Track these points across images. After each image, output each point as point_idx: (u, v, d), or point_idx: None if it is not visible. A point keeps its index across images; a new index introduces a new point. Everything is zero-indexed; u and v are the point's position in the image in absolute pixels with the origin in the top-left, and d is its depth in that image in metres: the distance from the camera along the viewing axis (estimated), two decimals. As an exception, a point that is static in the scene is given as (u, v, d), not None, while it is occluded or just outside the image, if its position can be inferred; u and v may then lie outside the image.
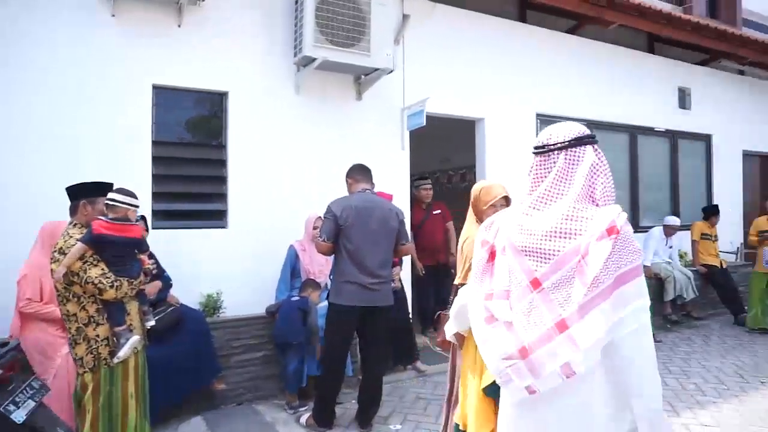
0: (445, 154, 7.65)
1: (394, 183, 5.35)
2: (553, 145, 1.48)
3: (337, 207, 3.41)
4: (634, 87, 7.40)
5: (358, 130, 5.25)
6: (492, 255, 1.52)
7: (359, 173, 3.66)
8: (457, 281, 2.65)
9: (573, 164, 1.44)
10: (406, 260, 5.37)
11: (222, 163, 4.66)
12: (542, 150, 1.50)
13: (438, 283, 5.79)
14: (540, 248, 1.39)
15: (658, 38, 8.19)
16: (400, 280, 4.75)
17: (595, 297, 1.28)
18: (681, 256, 7.30)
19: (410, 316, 5.01)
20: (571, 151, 1.45)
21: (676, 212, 7.80)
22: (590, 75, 6.96)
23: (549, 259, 1.38)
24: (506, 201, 2.76)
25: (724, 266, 7.07)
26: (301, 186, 4.89)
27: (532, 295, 1.38)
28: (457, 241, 2.82)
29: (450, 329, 2.01)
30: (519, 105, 6.30)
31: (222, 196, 4.65)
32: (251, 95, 4.73)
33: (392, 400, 4.24)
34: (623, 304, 1.30)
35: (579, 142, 1.46)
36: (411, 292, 5.47)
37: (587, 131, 1.50)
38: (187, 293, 4.12)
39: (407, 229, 5.45)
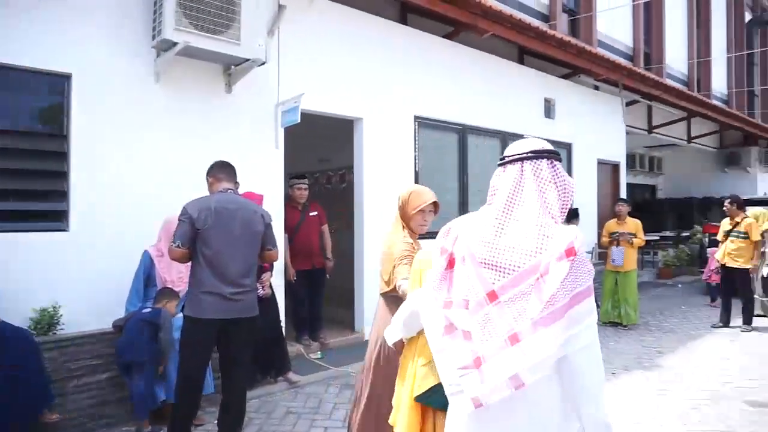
0: (325, 153, 7.45)
1: (267, 183, 5.05)
2: (511, 156, 1.51)
3: (194, 208, 3.05)
4: (506, 95, 7.77)
5: (228, 125, 4.87)
6: (451, 263, 1.52)
7: (221, 171, 3.33)
8: (382, 290, 2.57)
9: (532, 178, 1.46)
10: (279, 264, 5.09)
11: (63, 156, 4.03)
12: (501, 161, 1.53)
13: (313, 288, 5.57)
14: (500, 262, 1.42)
15: (528, 51, 8.70)
16: (270, 286, 4.46)
17: (550, 314, 1.33)
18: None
19: (282, 323, 4.74)
20: (527, 163, 1.48)
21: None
22: (467, 81, 7.16)
23: (508, 273, 1.40)
24: (435, 207, 2.72)
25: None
26: (159, 184, 4.39)
27: (488, 308, 1.40)
28: (355, 245, 2.63)
29: (394, 335, 1.93)
30: (398, 106, 6.28)
31: (62, 194, 4.02)
32: (101, 80, 4.15)
33: (259, 417, 3.95)
34: (577, 322, 1.35)
35: (536, 155, 1.48)
36: (284, 298, 5.20)
37: (548, 146, 1.51)
38: (13, 308, 3.50)
39: (281, 231, 5.19)
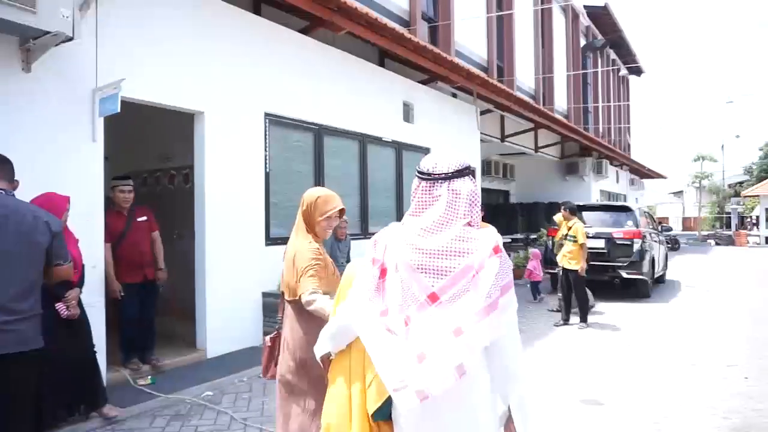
0: (166, 150, 6.68)
1: (81, 182, 4.27)
2: (438, 174, 1.62)
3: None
4: (365, 97, 7.62)
5: (28, 112, 4.02)
6: (383, 273, 1.61)
7: (-13, 167, 2.62)
8: (288, 297, 2.50)
9: (457, 195, 1.59)
10: (96, 279, 4.33)
11: None
12: (428, 177, 1.64)
13: (145, 303, 4.86)
14: (434, 265, 1.54)
15: (388, 54, 8.68)
16: (80, 304, 3.71)
17: (487, 306, 1.47)
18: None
19: (96, 348, 4.00)
20: (453, 181, 1.61)
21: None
22: (324, 79, 6.87)
23: (444, 275, 1.52)
24: (341, 213, 2.70)
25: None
26: None
27: (431, 309, 1.51)
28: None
29: (320, 349, 1.90)
30: (246, 101, 5.78)
31: None
32: None
33: (55, 466, 3.24)
34: (505, 310, 1.51)
35: (460, 174, 1.62)
36: (104, 318, 4.44)
37: (468, 163, 1.66)
38: None
39: (100, 239, 4.43)
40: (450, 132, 9.77)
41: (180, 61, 5.10)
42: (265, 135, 6.01)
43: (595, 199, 18.86)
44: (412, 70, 9.05)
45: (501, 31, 14.63)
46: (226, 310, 5.49)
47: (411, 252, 1.57)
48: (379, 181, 7.95)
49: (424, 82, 9.29)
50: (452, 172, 1.62)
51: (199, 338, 5.42)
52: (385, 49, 7.99)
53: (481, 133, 12.45)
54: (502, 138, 14.30)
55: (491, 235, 1.57)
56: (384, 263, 1.61)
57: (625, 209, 9.92)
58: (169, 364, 5.05)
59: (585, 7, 22.37)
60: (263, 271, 5.89)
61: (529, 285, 9.66)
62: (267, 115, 6.03)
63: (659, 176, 29.80)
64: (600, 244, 9.23)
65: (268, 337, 2.74)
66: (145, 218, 4.85)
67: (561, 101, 19.01)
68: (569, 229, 7.30)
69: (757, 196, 32.26)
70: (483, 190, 18.13)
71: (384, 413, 1.70)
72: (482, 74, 9.22)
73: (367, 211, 7.62)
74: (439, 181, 1.62)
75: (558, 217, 8.52)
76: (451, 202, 1.59)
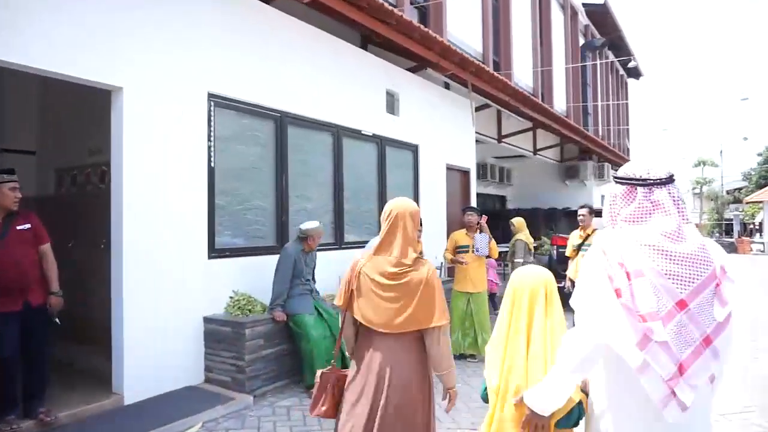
0: (96, 142, 5.48)
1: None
2: (655, 180, 1.65)
3: None
4: (341, 81, 6.46)
5: None
6: (627, 277, 1.57)
7: None
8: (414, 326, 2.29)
9: (679, 200, 1.65)
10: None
11: None
12: (644, 183, 1.66)
13: (29, 338, 3.64)
14: (682, 273, 1.53)
15: (371, 40, 7.56)
16: None
17: (729, 316, 1.55)
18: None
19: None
20: (671, 186, 1.66)
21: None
22: (290, 58, 5.71)
23: (692, 282, 1.53)
24: None
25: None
26: None
27: (680, 316, 1.51)
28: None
29: (565, 388, 1.74)
30: (183, 78, 4.61)
31: None
32: None
33: None
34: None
35: (673, 178, 1.67)
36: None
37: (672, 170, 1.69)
38: None
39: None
40: (441, 127, 8.63)
41: (92, 22, 3.93)
42: (210, 121, 4.83)
43: (597, 205, 17.76)
44: (398, 57, 7.92)
45: (497, 23, 13.57)
46: (153, 341, 4.29)
47: (657, 257, 1.56)
48: (357, 181, 6.78)
49: (412, 71, 8.16)
50: (668, 177, 1.65)
51: (115, 379, 4.20)
52: (367, 31, 6.87)
53: (477, 132, 11.32)
54: (499, 138, 13.20)
55: (718, 247, 1.64)
56: (627, 269, 1.57)
57: None
58: (68, 417, 3.83)
59: (584, 5, 21.42)
60: (206, 291, 4.70)
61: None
62: (212, 96, 4.86)
63: (660, 182, 28.79)
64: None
65: (320, 372, 2.48)
66: (27, 226, 3.63)
67: (560, 101, 17.94)
68: (587, 237, 6.12)
69: (760, 202, 31.32)
70: (478, 195, 16.96)
71: (569, 422, 1.80)
72: (477, 61, 8.08)
73: (342, 217, 6.44)
74: (658, 186, 1.64)
75: (518, 221, 7.48)
76: (680, 209, 1.63)
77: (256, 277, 5.12)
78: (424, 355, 2.33)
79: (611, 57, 25.38)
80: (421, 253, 2.50)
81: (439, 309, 2.27)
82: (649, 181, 1.64)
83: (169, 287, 4.41)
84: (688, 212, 1.69)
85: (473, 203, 9.68)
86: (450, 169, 8.92)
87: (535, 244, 13.74)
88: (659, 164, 1.68)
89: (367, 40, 7.68)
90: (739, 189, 45.72)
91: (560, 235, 9.00)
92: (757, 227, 35.86)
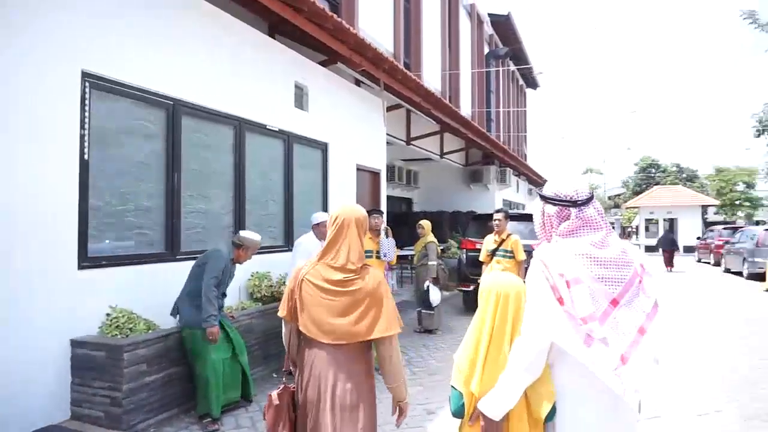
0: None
1: None
2: (584, 200, 1.89)
3: None
4: (245, 71, 5.85)
5: None
6: (567, 285, 1.76)
7: None
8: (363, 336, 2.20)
9: (601, 213, 1.91)
10: None
11: None
12: (574, 204, 1.89)
13: None
14: (610, 275, 1.77)
15: (279, 29, 7.01)
16: None
17: (655, 305, 1.80)
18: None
19: None
20: (594, 202, 1.92)
21: (289, 228, 6.62)
22: (189, 41, 5.03)
23: (620, 283, 1.77)
24: None
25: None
26: None
27: (615, 312, 1.74)
28: None
29: (517, 389, 1.86)
30: (46, 53, 3.80)
31: None
32: None
33: None
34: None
35: (593, 196, 1.94)
36: None
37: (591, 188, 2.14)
38: None
39: None
40: (352, 126, 8.25)
41: None
42: (84, 105, 4.06)
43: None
44: (309, 50, 7.44)
45: (408, 24, 13.47)
46: (2, 371, 3.47)
47: (590, 264, 1.78)
48: (261, 180, 6.20)
49: (323, 65, 7.70)
50: (591, 195, 1.92)
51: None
52: (275, 19, 6.33)
53: (387, 134, 11.10)
54: (408, 140, 13.09)
55: (636, 249, 1.92)
56: (566, 278, 1.76)
57: None
58: None
59: (489, 15, 22.13)
60: (75, 308, 3.93)
61: None
62: (87, 75, 4.08)
63: (554, 187, 30.59)
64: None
65: (275, 394, 2.31)
66: None
67: (466, 107, 18.32)
68: (502, 242, 6.02)
69: (637, 207, 34.39)
70: (387, 197, 16.91)
71: (553, 415, 1.86)
72: (391, 59, 7.80)
73: (243, 220, 5.83)
74: (585, 205, 1.89)
75: (426, 223, 7.41)
76: (604, 221, 1.89)
77: (140, 290, 4.41)
78: (371, 366, 2.30)
79: (512, 66, 26.54)
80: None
81: (388, 318, 2.20)
82: (579, 202, 1.87)
83: (26, 304, 3.61)
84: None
85: (383, 206, 9.41)
86: (360, 169, 8.58)
87: (441, 247, 13.85)
88: (580, 183, 1.92)
89: (275, 30, 7.11)
90: (618, 195, 50.08)
91: (470, 238, 8.96)
92: (634, 230, 39.38)
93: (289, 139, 6.67)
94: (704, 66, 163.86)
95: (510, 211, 7.98)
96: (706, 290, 13.54)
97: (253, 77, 5.97)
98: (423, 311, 7.37)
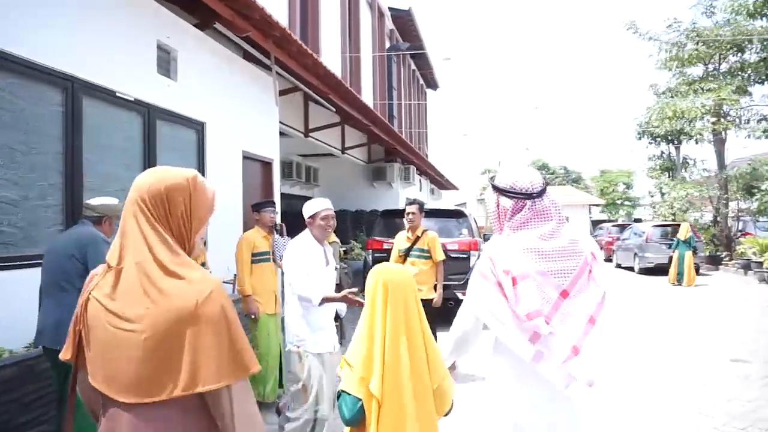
0: None
1: None
2: (539, 192, 1.89)
3: None
4: (83, 15, 4.37)
5: None
6: (514, 281, 1.76)
7: None
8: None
9: (556, 205, 1.90)
10: None
11: None
12: (530, 196, 1.88)
13: None
14: (559, 267, 1.78)
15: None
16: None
17: (603, 295, 1.80)
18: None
19: None
20: (548, 194, 1.92)
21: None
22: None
23: (569, 274, 1.79)
24: None
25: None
26: None
27: (564, 304, 1.76)
28: None
29: (448, 358, 2.02)
30: None
31: None
32: None
33: None
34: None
35: (546, 186, 1.96)
36: None
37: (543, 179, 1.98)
38: None
39: None
40: (238, 106, 6.93)
41: None
42: None
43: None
44: (182, 10, 6.03)
45: (305, 5, 12.28)
46: None
47: (538, 258, 1.78)
48: (107, 163, 4.73)
49: (199, 28, 6.31)
50: (544, 186, 1.91)
51: None
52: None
53: (282, 123, 9.83)
54: (306, 132, 11.90)
55: (588, 239, 1.96)
56: (512, 273, 1.76)
57: (458, 214, 8.13)
58: None
59: (390, 9, 21.49)
60: None
61: None
62: None
63: (453, 187, 30.80)
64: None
65: None
66: None
67: (368, 99, 17.46)
68: (416, 239, 5.02)
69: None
70: (283, 195, 15.50)
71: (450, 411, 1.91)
72: (283, 26, 6.58)
73: (75, 215, 4.33)
74: (539, 197, 1.88)
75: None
76: (558, 212, 1.89)
77: None
78: None
79: (413, 65, 26.20)
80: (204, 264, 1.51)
81: (227, 355, 1.31)
82: (533, 194, 1.88)
83: None
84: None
85: (276, 200, 8.14)
86: (248, 158, 7.26)
87: (344, 248, 12.75)
88: (534, 174, 1.94)
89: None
90: (513, 196, 52.15)
91: (377, 238, 7.97)
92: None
93: (149, 113, 5.23)
94: (594, 69, 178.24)
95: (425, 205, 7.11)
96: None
97: (94, 25, 4.50)
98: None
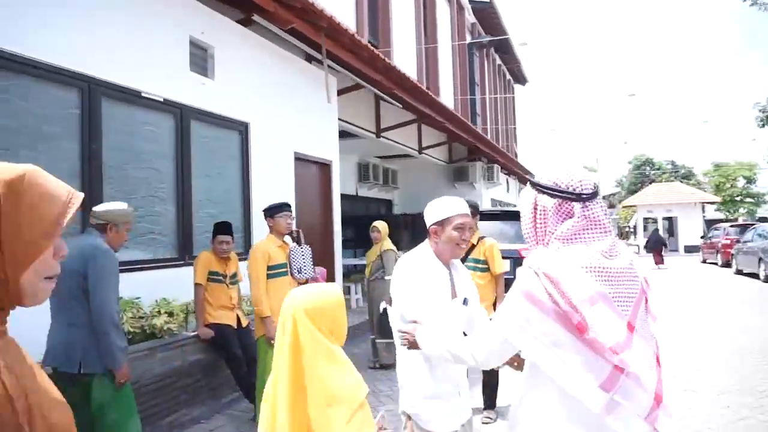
0: None
1: None
2: (590, 193, 1.47)
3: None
4: (101, 16, 4.10)
5: None
6: (576, 309, 1.35)
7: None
8: None
9: (607, 214, 1.50)
10: None
11: None
12: (584, 199, 1.46)
13: None
14: (622, 292, 1.38)
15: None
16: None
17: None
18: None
19: None
20: (599, 199, 1.50)
21: (185, 234, 4.85)
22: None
23: (630, 301, 1.38)
24: None
25: (245, 325, 4.36)
26: None
27: (634, 339, 1.35)
28: None
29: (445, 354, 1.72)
30: None
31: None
32: None
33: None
34: None
35: (598, 191, 1.52)
36: None
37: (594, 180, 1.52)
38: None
39: None
40: (287, 103, 6.52)
41: None
42: None
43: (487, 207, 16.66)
44: (224, 5, 5.73)
45: (374, 4, 11.80)
46: None
47: (601, 280, 1.38)
48: (137, 169, 4.44)
49: (243, 23, 5.98)
50: (596, 188, 1.50)
51: None
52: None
53: (349, 123, 9.40)
54: (378, 132, 11.39)
55: (638, 258, 1.53)
56: (580, 298, 1.36)
57: None
58: None
59: (470, 2, 20.52)
60: None
61: None
62: None
63: (546, 187, 28.95)
64: (506, 266, 6.47)
65: None
66: None
67: (447, 98, 16.66)
68: (471, 248, 4.20)
69: (634, 206, 32.82)
70: (361, 199, 15.25)
71: None
72: (330, 14, 6.07)
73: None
74: (591, 200, 1.46)
75: (382, 225, 5.74)
76: (611, 224, 1.50)
77: None
78: None
79: (498, 60, 24.97)
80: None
81: None
82: (584, 196, 1.45)
83: None
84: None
85: (336, 203, 7.66)
86: (302, 159, 6.83)
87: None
88: (585, 175, 1.50)
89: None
90: (613, 194, 48.60)
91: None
92: (632, 230, 37.84)
93: (182, 114, 4.92)
94: (701, 57, 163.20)
95: (510, 208, 6.11)
96: (738, 300, 11.86)
97: (114, 20, 4.22)
98: (378, 340, 5.63)
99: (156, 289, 4.25)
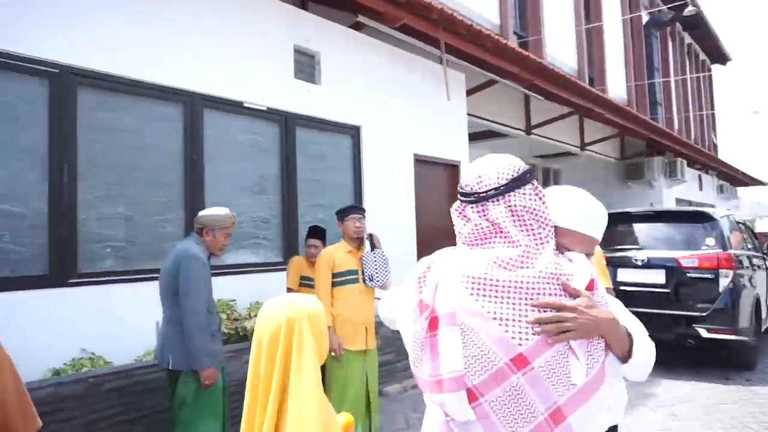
0: None
1: None
2: (488, 191, 1.17)
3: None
4: (192, 24, 4.38)
5: None
6: (433, 324, 1.12)
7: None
8: None
9: (524, 211, 1.17)
10: None
11: None
12: (473, 199, 1.20)
13: None
14: (511, 316, 1.07)
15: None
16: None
17: (596, 375, 1.06)
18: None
19: None
20: (511, 196, 1.17)
21: (289, 238, 4.91)
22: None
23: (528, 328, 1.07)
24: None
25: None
26: None
27: (515, 378, 1.04)
28: None
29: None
30: None
31: None
32: None
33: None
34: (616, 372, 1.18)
35: (518, 182, 1.17)
36: None
37: (524, 167, 1.20)
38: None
39: None
40: (404, 103, 6.30)
41: None
42: None
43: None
44: (335, 11, 5.77)
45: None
46: None
47: (476, 294, 1.11)
48: (237, 177, 4.62)
49: (356, 28, 5.95)
50: (508, 183, 1.17)
51: None
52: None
53: (492, 121, 8.90)
54: (528, 129, 10.58)
55: (584, 266, 1.15)
56: (435, 310, 1.14)
57: (703, 217, 5.72)
58: None
59: (647, -27, 18.12)
60: None
61: None
62: None
63: (759, 183, 24.11)
64: (657, 278, 5.36)
65: None
66: None
67: (617, 87, 14.86)
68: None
69: None
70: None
71: None
72: (438, 5, 5.69)
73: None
74: (492, 200, 1.17)
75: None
76: (526, 225, 1.17)
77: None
78: None
79: (688, 38, 21.63)
80: None
81: None
82: (481, 195, 1.17)
83: None
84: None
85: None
86: (423, 161, 6.54)
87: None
88: (492, 164, 1.20)
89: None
90: None
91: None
92: None
93: (287, 122, 5.01)
94: None
95: (670, 208, 5.10)
96: None
97: (214, 36, 4.46)
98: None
99: (258, 292, 4.34)
